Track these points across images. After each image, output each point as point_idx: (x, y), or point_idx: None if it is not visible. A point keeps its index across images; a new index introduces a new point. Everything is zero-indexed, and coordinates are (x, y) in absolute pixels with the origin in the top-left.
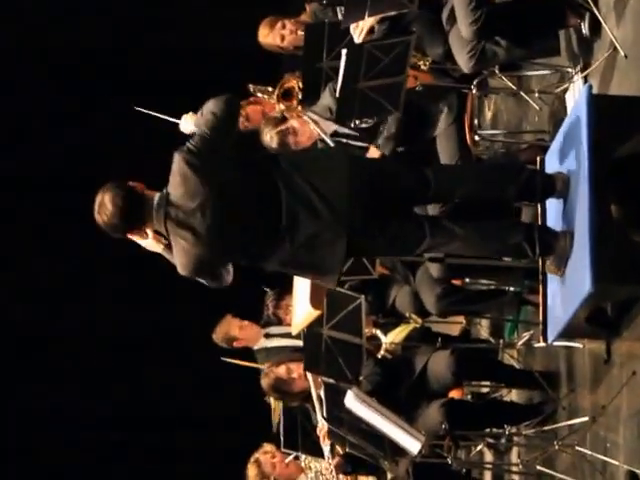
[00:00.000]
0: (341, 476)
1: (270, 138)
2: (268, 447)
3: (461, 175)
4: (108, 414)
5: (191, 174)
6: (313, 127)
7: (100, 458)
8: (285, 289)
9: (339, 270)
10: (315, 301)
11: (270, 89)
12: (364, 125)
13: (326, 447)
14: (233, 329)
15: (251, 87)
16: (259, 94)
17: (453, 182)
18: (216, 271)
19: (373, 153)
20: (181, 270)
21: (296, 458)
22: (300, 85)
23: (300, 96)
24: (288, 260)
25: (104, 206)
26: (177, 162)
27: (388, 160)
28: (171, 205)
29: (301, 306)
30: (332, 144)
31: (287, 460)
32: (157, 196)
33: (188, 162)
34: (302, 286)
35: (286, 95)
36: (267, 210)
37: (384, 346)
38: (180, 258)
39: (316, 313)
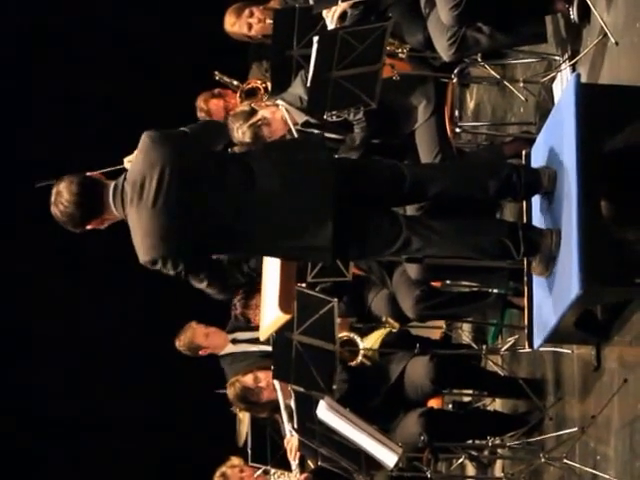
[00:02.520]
0: None
1: (242, 133)
2: (236, 461)
3: (437, 171)
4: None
5: (154, 146)
6: (285, 114)
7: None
8: (254, 288)
9: (330, 245)
10: (284, 304)
11: (235, 82)
12: (336, 119)
13: (294, 462)
14: (198, 337)
15: (217, 75)
16: (226, 79)
17: (429, 177)
18: (184, 254)
19: None
20: (143, 256)
21: (265, 472)
22: (265, 86)
23: (265, 95)
24: (272, 242)
25: (60, 195)
26: (142, 139)
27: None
28: (129, 185)
29: (269, 309)
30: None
31: (256, 475)
32: (114, 182)
33: (152, 137)
34: (271, 288)
35: (250, 94)
36: (238, 194)
37: (361, 352)
38: (140, 241)
39: (285, 317)
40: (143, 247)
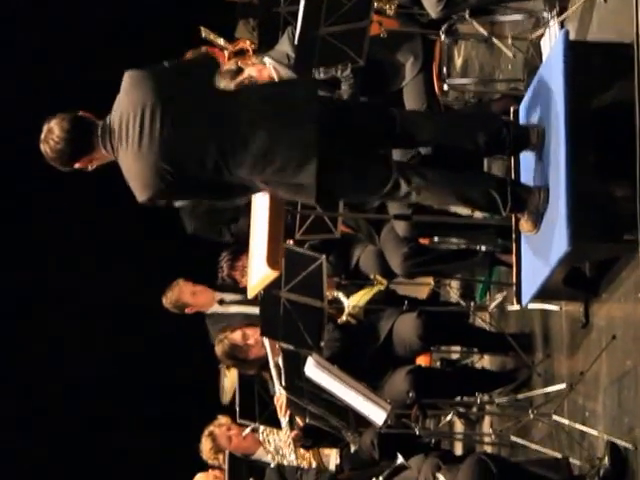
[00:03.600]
0: (301, 450)
1: None
2: (223, 419)
3: (427, 118)
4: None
5: (135, 85)
6: (272, 72)
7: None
8: (241, 249)
9: (315, 186)
10: (272, 261)
11: (222, 42)
12: (324, 76)
13: (284, 419)
14: (185, 295)
15: (203, 31)
16: (212, 37)
17: (419, 123)
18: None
19: None
20: (139, 197)
21: (254, 430)
22: (253, 47)
23: (253, 53)
24: (254, 181)
25: (51, 132)
26: (124, 79)
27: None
28: (116, 126)
29: (257, 267)
30: None
31: (244, 433)
32: (102, 122)
33: (133, 76)
34: (259, 245)
35: (238, 54)
36: (222, 129)
37: (347, 310)
38: (133, 184)
39: (273, 274)
40: (137, 189)
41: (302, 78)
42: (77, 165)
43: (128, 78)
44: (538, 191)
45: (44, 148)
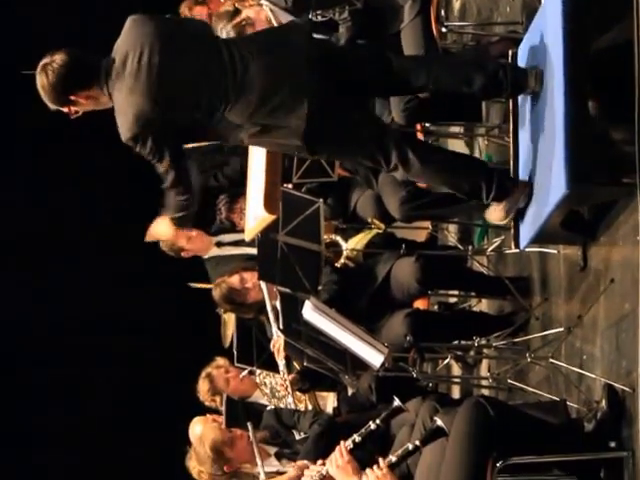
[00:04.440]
0: (298, 393)
1: (227, 33)
2: (221, 361)
3: (423, 62)
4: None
5: (137, 25)
6: (269, 14)
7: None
8: (238, 191)
9: (305, 125)
10: (270, 205)
11: None
12: (321, 18)
13: (281, 362)
14: (180, 240)
15: None
16: None
17: (414, 68)
18: (166, 129)
19: None
20: (124, 133)
21: (251, 373)
22: None
23: None
24: (243, 126)
25: (52, 61)
26: (127, 23)
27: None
28: (115, 62)
29: (255, 210)
30: None
31: (241, 375)
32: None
33: (136, 18)
34: (256, 189)
35: None
36: (219, 70)
37: (345, 253)
38: (123, 119)
39: (271, 218)
40: (125, 124)
41: (298, 22)
42: (72, 98)
43: (130, 21)
44: (524, 185)
45: (40, 79)
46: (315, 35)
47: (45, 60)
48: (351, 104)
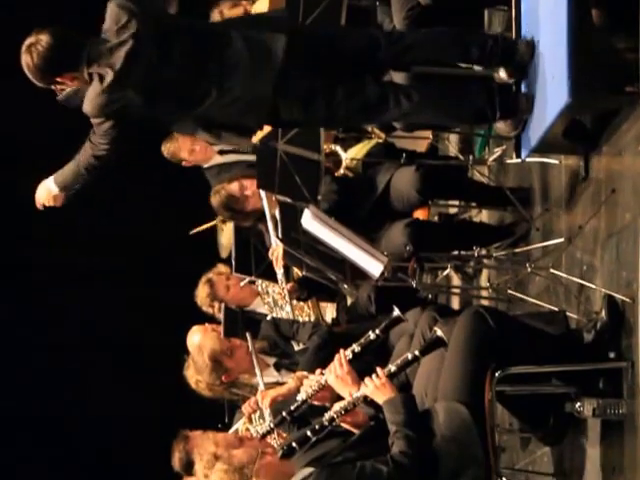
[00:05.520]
0: (298, 302)
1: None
2: (223, 268)
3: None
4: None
5: (124, 5)
6: None
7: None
8: None
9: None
10: None
11: None
12: None
13: (279, 271)
14: (182, 152)
15: None
16: None
17: (409, 45)
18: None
19: None
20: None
21: (251, 283)
22: None
23: None
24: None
25: (39, 41)
26: (108, 6)
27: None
28: (97, 44)
29: None
30: None
31: (242, 283)
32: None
33: (118, 2)
34: None
35: None
36: (199, 53)
37: (344, 163)
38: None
39: None
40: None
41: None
42: (58, 79)
43: (112, 5)
44: (525, 97)
45: (26, 58)
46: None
47: (30, 40)
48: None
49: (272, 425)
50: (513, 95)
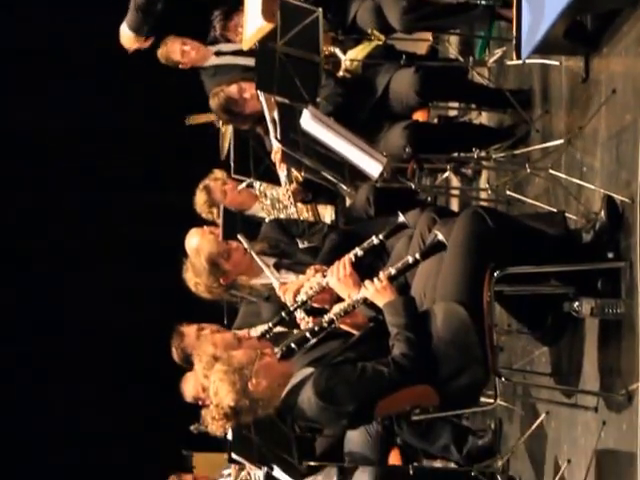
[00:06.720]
0: (299, 204)
1: None
2: (219, 174)
3: None
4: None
5: None
6: None
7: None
8: (234, 7)
9: None
10: (268, 13)
11: None
12: None
13: (282, 173)
14: (174, 54)
15: None
16: None
17: None
18: None
19: None
20: None
21: (249, 186)
22: None
23: None
24: None
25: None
26: None
27: None
28: None
29: (252, 19)
30: None
31: (240, 187)
32: None
33: None
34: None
35: None
36: None
37: (343, 64)
38: None
39: (269, 26)
40: None
41: None
42: None
43: None
44: None
45: None
46: None
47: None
48: None
49: (271, 325)
50: None
